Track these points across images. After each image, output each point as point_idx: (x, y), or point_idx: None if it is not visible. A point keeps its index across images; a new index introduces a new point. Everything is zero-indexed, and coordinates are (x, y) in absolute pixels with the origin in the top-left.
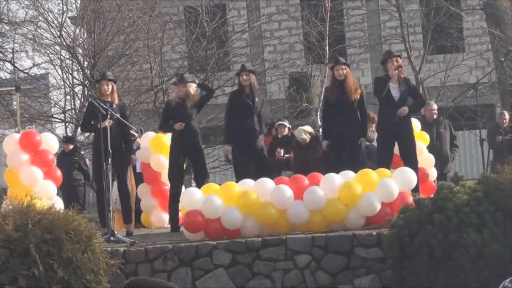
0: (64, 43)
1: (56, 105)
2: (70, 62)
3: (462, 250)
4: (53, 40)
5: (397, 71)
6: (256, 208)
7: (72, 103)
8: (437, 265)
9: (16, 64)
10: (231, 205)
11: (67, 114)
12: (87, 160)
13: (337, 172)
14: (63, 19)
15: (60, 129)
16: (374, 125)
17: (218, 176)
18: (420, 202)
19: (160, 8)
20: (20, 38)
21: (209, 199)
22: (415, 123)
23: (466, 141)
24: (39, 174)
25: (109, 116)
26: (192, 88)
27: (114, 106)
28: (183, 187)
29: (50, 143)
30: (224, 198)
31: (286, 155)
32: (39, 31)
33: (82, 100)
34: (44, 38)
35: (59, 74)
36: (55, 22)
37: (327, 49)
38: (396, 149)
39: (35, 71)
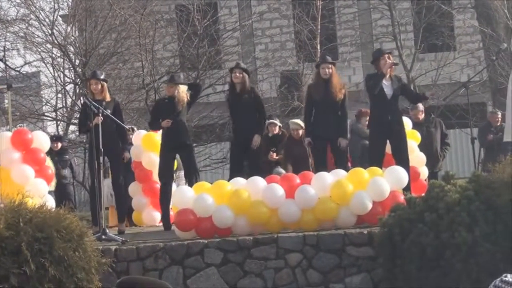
0: (56, 41)
1: (48, 103)
2: (62, 60)
3: (453, 249)
4: (44, 38)
5: (391, 68)
6: (248, 206)
7: (64, 101)
8: (428, 264)
9: (7, 62)
10: (222, 203)
11: (58, 112)
12: (74, 159)
13: (326, 170)
14: (55, 17)
15: (51, 127)
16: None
17: (210, 175)
18: (411, 201)
19: (152, 7)
20: (12, 36)
21: (200, 198)
22: (407, 122)
23: (457, 139)
24: (30, 172)
25: (100, 114)
26: (181, 90)
27: (104, 103)
28: (174, 184)
29: (42, 141)
30: (216, 196)
31: (276, 157)
32: (30, 29)
33: (74, 98)
34: (36, 36)
35: (50, 72)
36: (47, 20)
37: (318, 47)
38: (387, 148)
39: (27, 69)
